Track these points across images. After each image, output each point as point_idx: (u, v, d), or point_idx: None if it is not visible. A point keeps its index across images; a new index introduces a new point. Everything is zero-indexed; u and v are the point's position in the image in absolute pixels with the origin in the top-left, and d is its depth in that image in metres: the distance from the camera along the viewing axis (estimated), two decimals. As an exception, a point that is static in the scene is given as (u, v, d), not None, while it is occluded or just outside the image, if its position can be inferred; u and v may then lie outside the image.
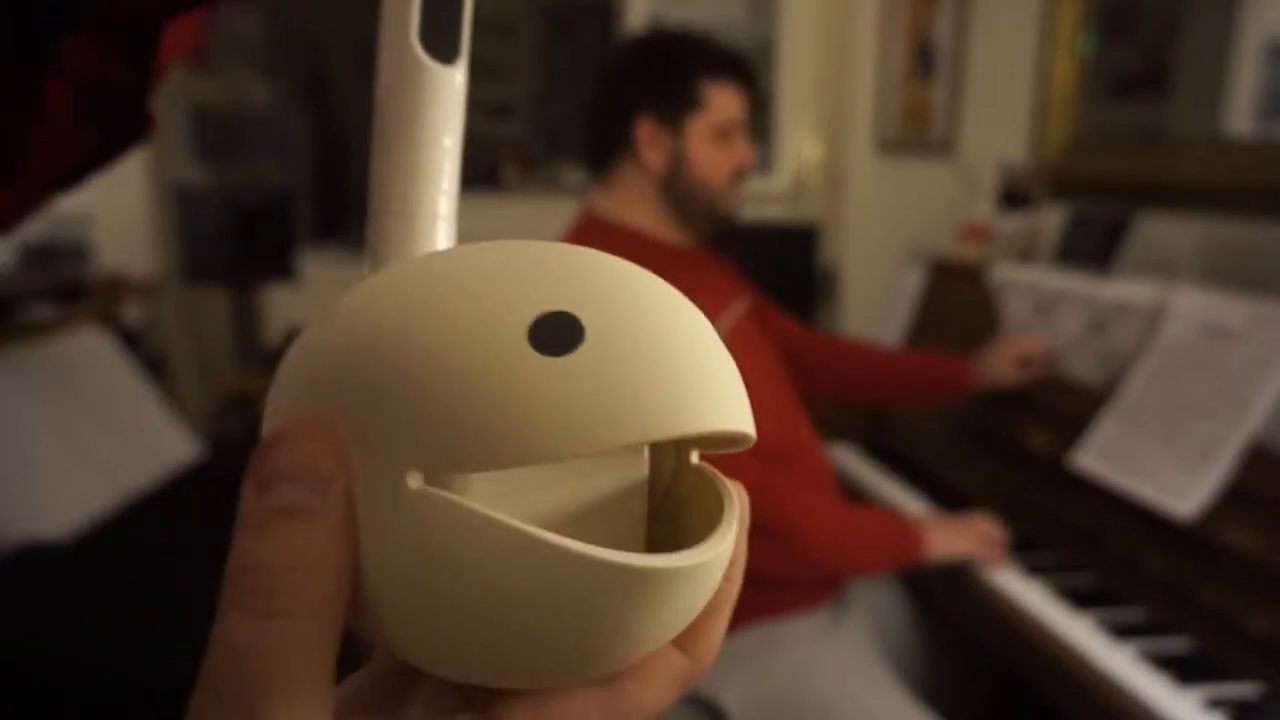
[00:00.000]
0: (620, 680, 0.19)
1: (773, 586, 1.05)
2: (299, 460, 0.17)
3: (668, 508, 0.23)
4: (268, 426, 0.18)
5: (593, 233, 1.10)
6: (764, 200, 2.72)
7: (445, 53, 0.23)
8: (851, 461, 1.47)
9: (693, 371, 0.18)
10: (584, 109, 1.16)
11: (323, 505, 0.17)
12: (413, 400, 0.17)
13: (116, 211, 2.80)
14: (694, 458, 0.23)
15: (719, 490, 0.21)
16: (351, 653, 0.19)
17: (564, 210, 1.30)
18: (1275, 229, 1.16)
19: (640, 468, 0.21)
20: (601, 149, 1.13)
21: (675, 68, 1.09)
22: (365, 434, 0.17)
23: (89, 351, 1.83)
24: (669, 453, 0.23)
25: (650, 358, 0.17)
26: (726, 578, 0.21)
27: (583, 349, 0.17)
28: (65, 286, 2.48)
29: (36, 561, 1.38)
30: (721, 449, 0.22)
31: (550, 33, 4.93)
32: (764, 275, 1.36)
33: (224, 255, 2.52)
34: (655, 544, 0.22)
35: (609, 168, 1.12)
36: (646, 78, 1.10)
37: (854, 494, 1.40)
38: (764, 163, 2.80)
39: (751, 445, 0.21)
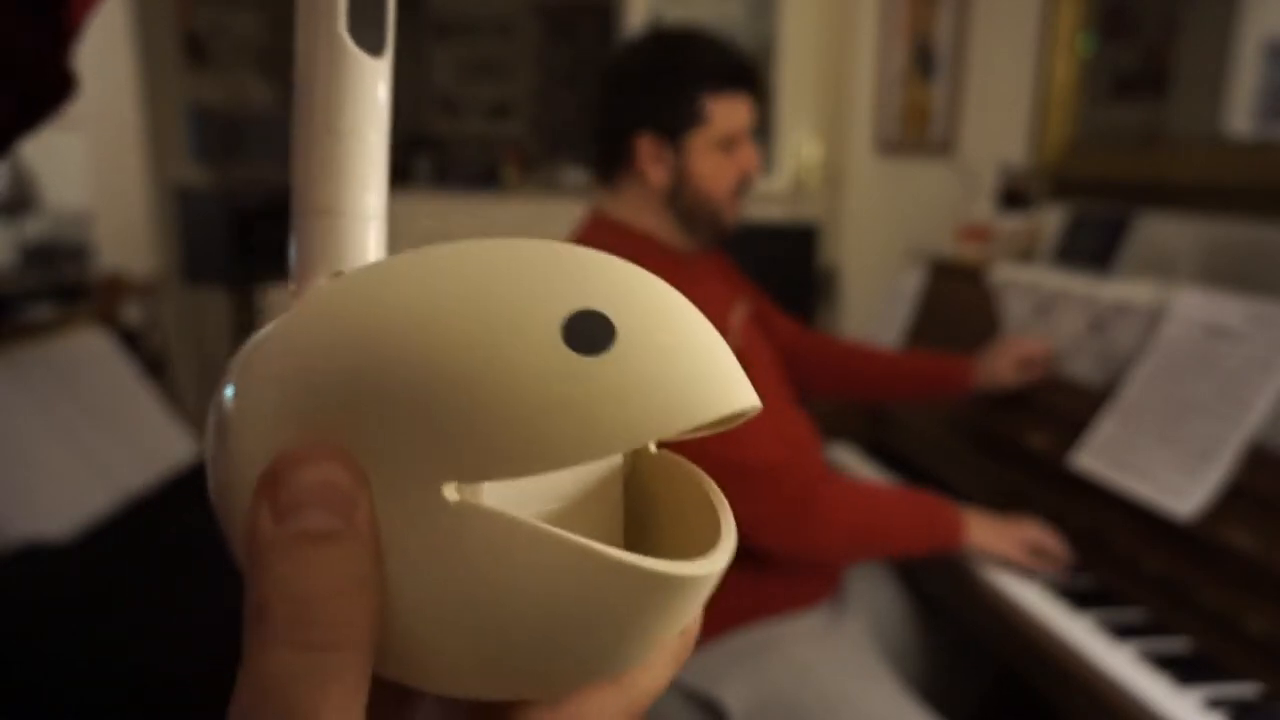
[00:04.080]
0: (630, 671, 0.19)
1: (772, 583, 1.05)
2: (321, 481, 0.16)
3: (630, 499, 0.23)
4: (245, 441, 0.18)
5: (601, 233, 1.10)
6: (764, 200, 2.72)
7: (373, 44, 0.23)
8: (851, 461, 1.47)
9: (713, 357, 0.18)
10: (586, 115, 1.14)
11: (350, 528, 0.16)
12: (446, 407, 0.16)
13: (116, 211, 2.81)
14: (651, 446, 0.22)
15: (684, 477, 0.21)
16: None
17: (564, 210, 1.30)
18: (1275, 229, 1.16)
19: (615, 457, 0.21)
20: (605, 160, 1.11)
21: (675, 84, 1.05)
22: (386, 446, 0.16)
23: (89, 351, 1.83)
24: None
25: (679, 347, 0.17)
26: None
27: (617, 345, 0.17)
28: (65, 286, 2.47)
29: (36, 561, 1.38)
30: (710, 430, 0.22)
31: (550, 33, 4.93)
32: (764, 275, 1.36)
33: (224, 255, 2.53)
34: (626, 534, 0.22)
35: (614, 178, 1.11)
36: (646, 93, 1.06)
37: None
38: (764, 163, 2.80)
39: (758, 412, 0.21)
